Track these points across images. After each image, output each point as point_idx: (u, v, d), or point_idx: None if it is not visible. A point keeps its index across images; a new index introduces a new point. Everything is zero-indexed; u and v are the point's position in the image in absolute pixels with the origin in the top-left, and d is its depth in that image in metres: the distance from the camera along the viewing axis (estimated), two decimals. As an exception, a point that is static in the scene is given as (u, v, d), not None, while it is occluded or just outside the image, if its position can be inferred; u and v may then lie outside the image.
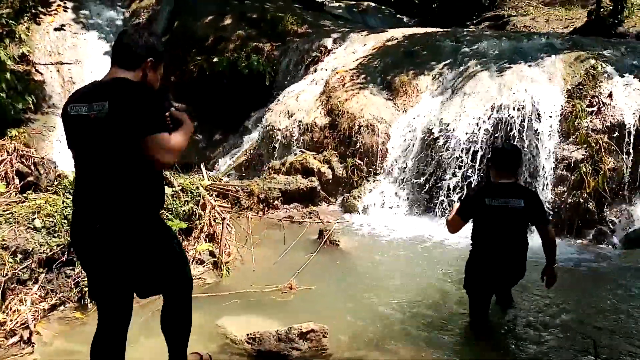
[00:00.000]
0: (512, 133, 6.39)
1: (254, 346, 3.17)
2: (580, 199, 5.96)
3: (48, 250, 3.71)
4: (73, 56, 11.60)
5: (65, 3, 12.21)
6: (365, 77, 8.32)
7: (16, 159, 5.58)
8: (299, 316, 3.54)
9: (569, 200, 6.03)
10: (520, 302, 4.07)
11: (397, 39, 9.30)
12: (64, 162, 7.82)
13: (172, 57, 11.12)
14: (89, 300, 3.57)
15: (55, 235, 3.80)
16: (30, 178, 5.57)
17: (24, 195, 4.54)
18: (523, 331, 3.73)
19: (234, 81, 9.94)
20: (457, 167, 6.54)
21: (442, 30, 9.64)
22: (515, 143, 6.23)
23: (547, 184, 6.15)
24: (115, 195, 2.21)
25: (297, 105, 8.48)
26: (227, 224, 4.65)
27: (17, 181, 5.47)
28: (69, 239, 3.70)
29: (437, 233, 6.01)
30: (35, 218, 3.82)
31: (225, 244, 4.62)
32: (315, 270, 4.60)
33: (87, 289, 3.50)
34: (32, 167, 5.70)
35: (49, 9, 11.94)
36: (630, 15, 10.71)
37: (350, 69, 8.66)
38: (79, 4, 12.41)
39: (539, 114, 6.41)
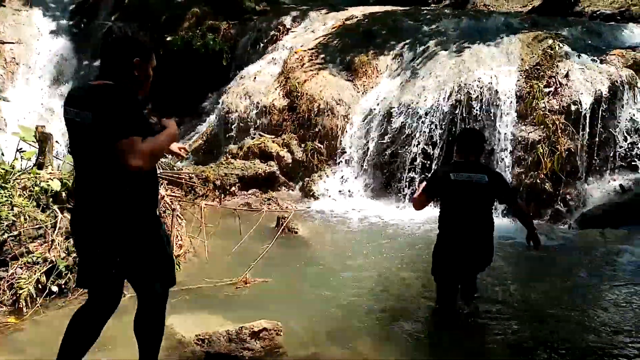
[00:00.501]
0: (470, 114, 6.35)
1: (203, 348, 3.00)
2: (537, 180, 5.99)
3: (-24, 251, 3.41)
4: (15, 35, 10.86)
5: (5, -23, 11.39)
6: (325, 58, 8.10)
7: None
8: (253, 312, 3.38)
9: (527, 181, 6.05)
10: (481, 289, 4.02)
11: (356, 17, 9.09)
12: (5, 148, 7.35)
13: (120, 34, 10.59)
14: (24, 304, 3.30)
15: (-16, 234, 3.49)
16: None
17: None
18: (485, 319, 3.68)
19: (189, 61, 9.53)
20: (416, 148, 6.46)
21: (402, 8, 9.47)
22: (473, 125, 6.22)
23: (505, 165, 6.15)
24: (106, 194, 2.29)
25: (255, 86, 8.20)
26: (178, 215, 4.42)
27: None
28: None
29: (397, 217, 5.95)
30: (-40, 216, 3.50)
31: (177, 236, 4.39)
32: (272, 261, 4.44)
33: (21, 291, 3.26)
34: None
35: (-14, -16, 11.14)
36: (585, -5, 10.77)
37: (309, 49, 8.42)
38: (19, -21, 11.59)
39: (497, 95, 6.38)
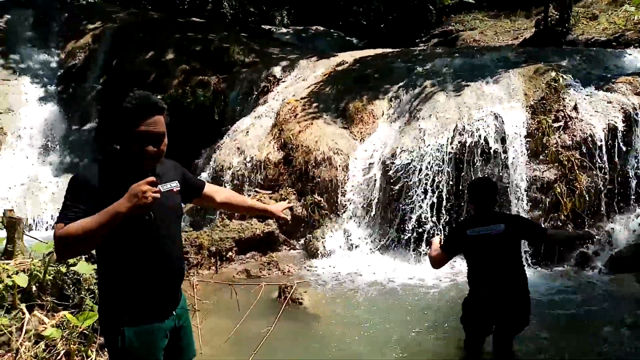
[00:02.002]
0: (477, 156, 5.96)
1: None
2: (558, 222, 5.53)
3: None
4: (3, 104, 10.67)
5: (-9, 48, 11.33)
6: (318, 106, 7.81)
7: None
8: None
9: (547, 224, 5.58)
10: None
11: (347, 62, 8.88)
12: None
13: (111, 97, 10.41)
14: None
15: None
16: None
17: None
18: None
19: (181, 118, 9.27)
20: (423, 196, 6.03)
21: (392, 50, 9.29)
22: (482, 167, 5.84)
23: (521, 209, 5.69)
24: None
25: (248, 140, 7.86)
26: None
27: None
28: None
29: (409, 274, 5.46)
30: None
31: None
32: (275, 344, 3.90)
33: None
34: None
35: (-27, 56, 11.07)
36: (577, 23, 10.64)
37: (302, 98, 8.14)
38: (6, 48, 11.51)
39: (503, 134, 6.01)
